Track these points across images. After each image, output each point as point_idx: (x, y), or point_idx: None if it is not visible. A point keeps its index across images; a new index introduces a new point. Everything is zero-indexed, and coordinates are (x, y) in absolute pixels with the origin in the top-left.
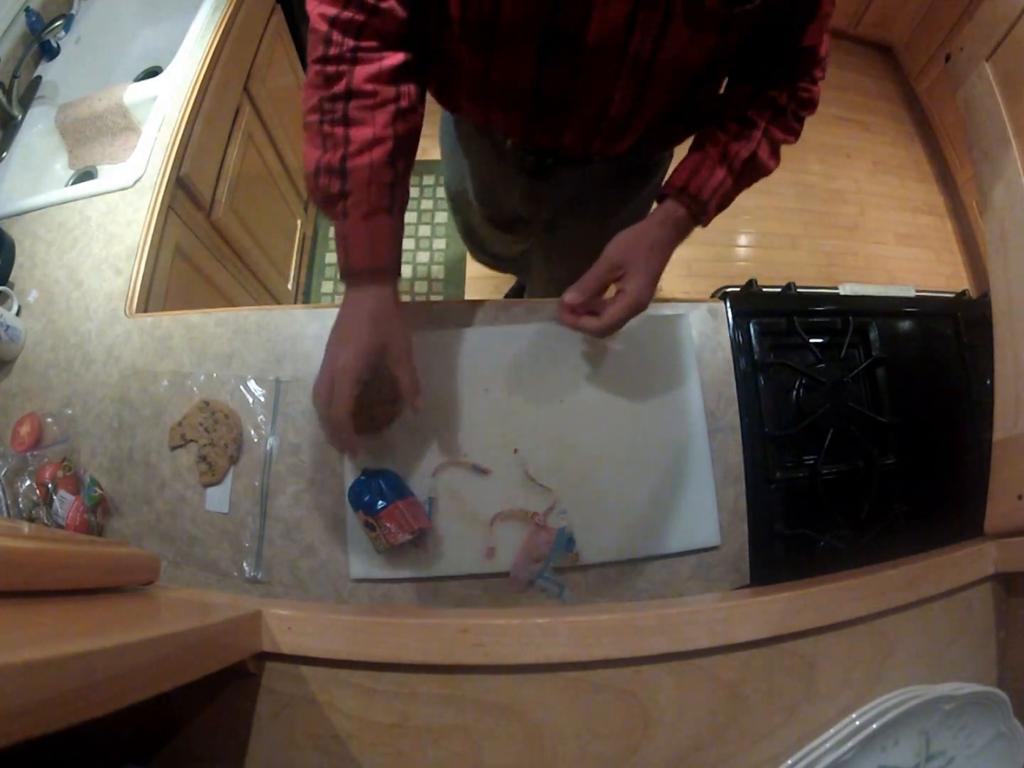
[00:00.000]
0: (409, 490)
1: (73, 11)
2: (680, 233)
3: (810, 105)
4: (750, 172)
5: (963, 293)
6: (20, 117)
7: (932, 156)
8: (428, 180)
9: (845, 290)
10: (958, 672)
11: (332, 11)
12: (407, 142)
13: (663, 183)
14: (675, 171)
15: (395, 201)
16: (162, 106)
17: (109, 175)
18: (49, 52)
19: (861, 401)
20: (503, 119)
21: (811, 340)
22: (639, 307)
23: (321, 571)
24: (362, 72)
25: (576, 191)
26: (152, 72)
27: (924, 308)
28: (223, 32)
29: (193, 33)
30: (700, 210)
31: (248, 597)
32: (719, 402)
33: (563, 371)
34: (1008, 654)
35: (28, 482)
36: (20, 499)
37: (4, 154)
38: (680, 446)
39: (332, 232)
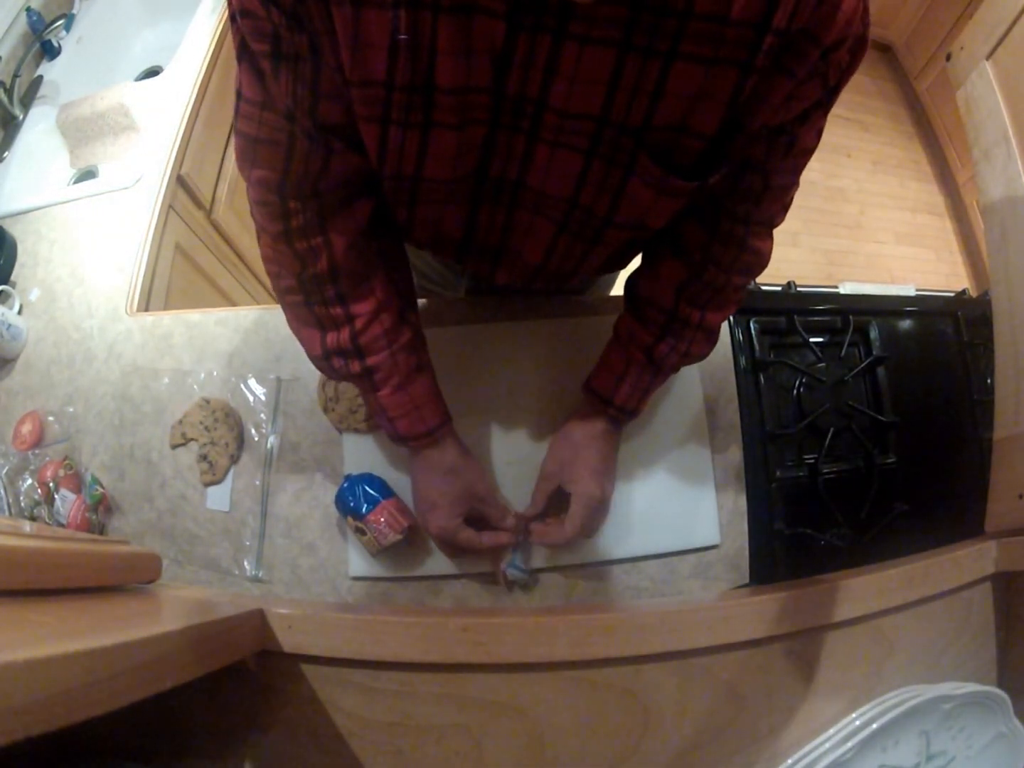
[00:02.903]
0: (392, 490)
1: (74, 11)
2: (615, 427)
3: (758, 268)
4: (683, 365)
5: (963, 292)
6: (21, 117)
7: (932, 156)
8: None
9: (845, 289)
10: (958, 672)
11: (275, 176)
12: (409, 285)
13: (585, 382)
14: (598, 374)
15: (422, 356)
16: (163, 105)
17: (110, 174)
18: (50, 52)
19: (861, 400)
20: (432, 252)
21: (811, 339)
22: (592, 501)
23: (321, 569)
24: (340, 241)
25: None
26: (153, 72)
27: (924, 307)
28: (223, 32)
29: (193, 33)
30: (629, 416)
31: (249, 595)
32: (719, 400)
33: (562, 369)
34: (1008, 654)
35: (29, 481)
36: (22, 498)
37: (6, 154)
38: (680, 444)
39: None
